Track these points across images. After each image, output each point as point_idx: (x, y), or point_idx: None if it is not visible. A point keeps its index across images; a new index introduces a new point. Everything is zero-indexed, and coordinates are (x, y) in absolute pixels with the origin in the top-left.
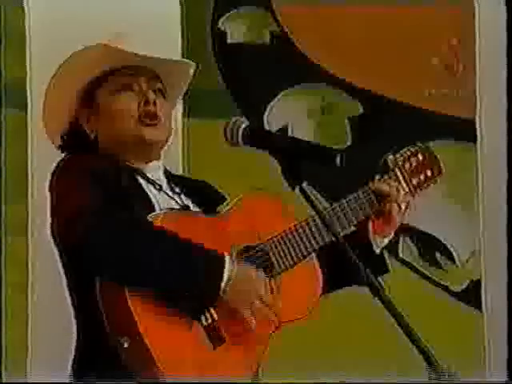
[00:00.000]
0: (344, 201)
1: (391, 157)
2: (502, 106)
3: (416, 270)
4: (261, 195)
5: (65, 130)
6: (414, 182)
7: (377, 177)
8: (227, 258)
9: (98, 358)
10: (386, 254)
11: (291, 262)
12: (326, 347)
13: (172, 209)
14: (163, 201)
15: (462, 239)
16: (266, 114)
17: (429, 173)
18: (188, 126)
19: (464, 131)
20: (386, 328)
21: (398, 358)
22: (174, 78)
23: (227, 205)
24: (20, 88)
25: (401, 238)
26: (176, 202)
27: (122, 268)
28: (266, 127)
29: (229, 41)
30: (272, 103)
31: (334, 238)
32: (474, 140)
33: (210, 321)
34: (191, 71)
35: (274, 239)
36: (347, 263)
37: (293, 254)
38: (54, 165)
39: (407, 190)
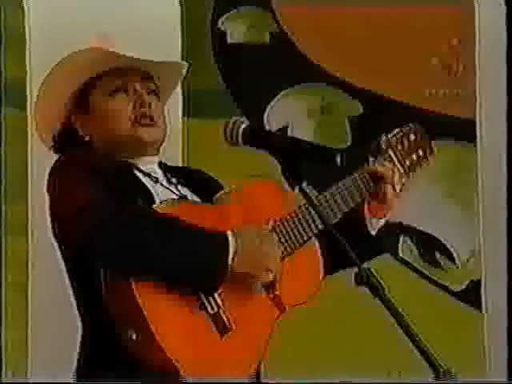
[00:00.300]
0: (340, 183)
1: (384, 138)
2: (502, 106)
3: (416, 270)
4: (260, 182)
5: (57, 131)
6: (408, 162)
7: (371, 159)
8: (229, 234)
9: (106, 356)
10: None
11: (292, 248)
12: (326, 347)
13: (172, 199)
14: (161, 192)
15: (461, 239)
16: (266, 114)
17: (421, 152)
18: (188, 126)
19: (464, 131)
20: (386, 328)
21: (398, 358)
22: (167, 78)
23: (227, 192)
24: (20, 88)
25: (401, 238)
26: (173, 192)
27: (130, 258)
28: (266, 127)
29: (229, 41)
30: (272, 103)
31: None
32: (474, 140)
33: (215, 309)
34: (184, 70)
35: (275, 225)
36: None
37: (293, 240)
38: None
39: (402, 170)
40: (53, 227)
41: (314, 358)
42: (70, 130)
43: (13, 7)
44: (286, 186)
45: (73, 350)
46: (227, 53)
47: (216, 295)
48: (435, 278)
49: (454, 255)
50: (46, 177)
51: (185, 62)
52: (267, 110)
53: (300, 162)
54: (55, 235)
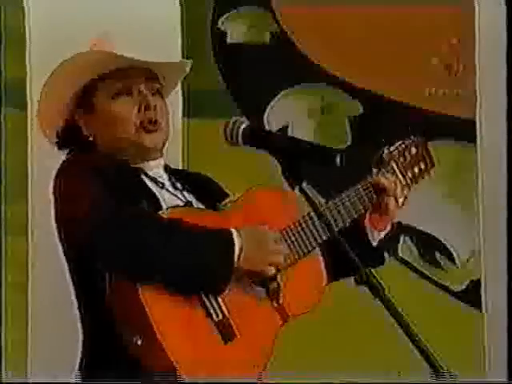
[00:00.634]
0: (344, 195)
1: (386, 151)
2: (502, 106)
3: (416, 270)
4: (264, 191)
5: (60, 128)
6: (410, 174)
7: (374, 170)
8: (234, 231)
9: (108, 358)
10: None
11: (296, 257)
12: (326, 347)
13: (177, 206)
14: (167, 198)
15: (461, 239)
16: (266, 114)
17: (422, 165)
18: (188, 126)
19: (464, 131)
20: (386, 328)
21: (398, 358)
22: (171, 77)
23: (231, 201)
24: (20, 88)
25: (401, 238)
26: (179, 198)
27: (133, 259)
28: (266, 127)
29: (229, 41)
30: (272, 103)
31: (330, 236)
32: (474, 140)
33: (220, 316)
34: (188, 68)
35: (281, 234)
36: (347, 258)
37: (298, 248)
38: (56, 166)
39: (404, 183)
40: (58, 229)
41: (314, 358)
42: (74, 127)
43: (13, 7)
44: (286, 188)
45: (73, 350)
46: (227, 53)
47: (221, 302)
48: (435, 278)
49: (454, 255)
50: (53, 177)
51: (189, 61)
52: (267, 110)
53: (300, 161)
54: (60, 238)
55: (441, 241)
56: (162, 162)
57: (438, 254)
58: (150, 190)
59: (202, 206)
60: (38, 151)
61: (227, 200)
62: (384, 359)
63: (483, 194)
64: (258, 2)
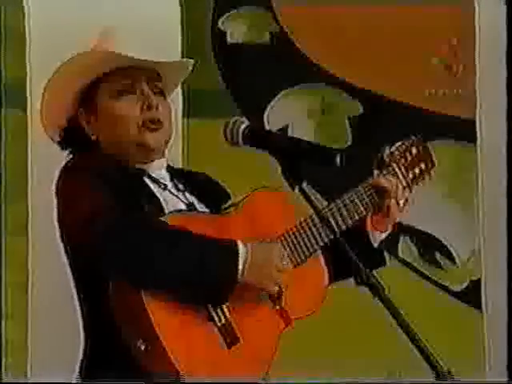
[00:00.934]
0: (345, 196)
1: (387, 152)
2: (502, 106)
3: (416, 270)
4: (266, 193)
5: (62, 127)
6: (411, 175)
7: (375, 172)
8: (240, 244)
9: (110, 361)
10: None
11: (300, 259)
12: (326, 347)
13: (180, 210)
14: (169, 200)
15: (461, 239)
16: (266, 113)
17: (423, 166)
18: (188, 126)
19: (464, 131)
20: (386, 328)
21: (398, 358)
22: (173, 77)
23: (233, 204)
24: (20, 88)
25: (401, 238)
26: (181, 200)
27: (139, 267)
28: (266, 127)
29: (229, 41)
30: (272, 103)
31: (332, 237)
32: (474, 140)
33: (223, 321)
34: (190, 67)
35: (283, 237)
36: (348, 260)
37: (301, 251)
38: (56, 167)
39: (405, 184)
40: (61, 234)
41: (314, 358)
42: (76, 126)
43: (13, 7)
44: (286, 188)
45: (73, 350)
46: (227, 53)
47: (224, 307)
48: (435, 278)
49: (454, 255)
50: (55, 179)
51: (191, 60)
52: (267, 109)
53: (300, 161)
54: (63, 242)
55: (441, 241)
56: (164, 162)
57: (438, 254)
58: (152, 192)
59: (204, 208)
60: (38, 151)
61: (229, 203)
62: (384, 359)
63: (483, 194)
64: (258, 2)
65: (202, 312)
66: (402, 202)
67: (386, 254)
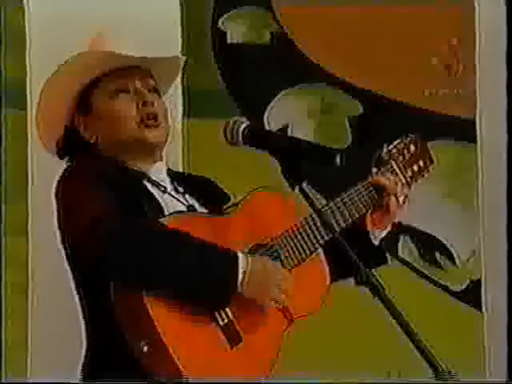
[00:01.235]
0: (345, 195)
1: (385, 150)
2: (502, 106)
3: (416, 270)
4: (267, 193)
5: (59, 136)
6: (409, 173)
7: (374, 170)
8: (240, 255)
9: (113, 363)
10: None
11: (300, 258)
12: (326, 347)
13: (180, 211)
14: (170, 202)
15: (461, 239)
16: (266, 114)
17: (421, 163)
18: (188, 126)
19: (464, 131)
20: (386, 328)
21: (398, 358)
22: (166, 73)
23: (234, 204)
24: (20, 88)
25: (401, 238)
26: (182, 202)
27: (140, 272)
28: (266, 127)
29: (229, 41)
30: (272, 103)
31: (331, 236)
32: (474, 140)
33: (226, 321)
34: (182, 64)
35: (283, 236)
36: (349, 259)
37: (301, 250)
38: (56, 167)
39: (404, 181)
40: (62, 238)
41: (314, 358)
42: (73, 133)
43: (13, 7)
44: (286, 188)
45: (73, 350)
46: (227, 53)
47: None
48: (435, 278)
49: (454, 255)
50: (54, 184)
51: (183, 56)
52: (267, 110)
53: (300, 161)
54: (65, 247)
55: (441, 241)
56: (164, 165)
57: (438, 254)
58: (152, 195)
59: (204, 210)
60: (38, 151)
61: (229, 204)
62: (384, 359)
63: (483, 194)
64: (258, 2)
65: (204, 312)
66: (401, 200)
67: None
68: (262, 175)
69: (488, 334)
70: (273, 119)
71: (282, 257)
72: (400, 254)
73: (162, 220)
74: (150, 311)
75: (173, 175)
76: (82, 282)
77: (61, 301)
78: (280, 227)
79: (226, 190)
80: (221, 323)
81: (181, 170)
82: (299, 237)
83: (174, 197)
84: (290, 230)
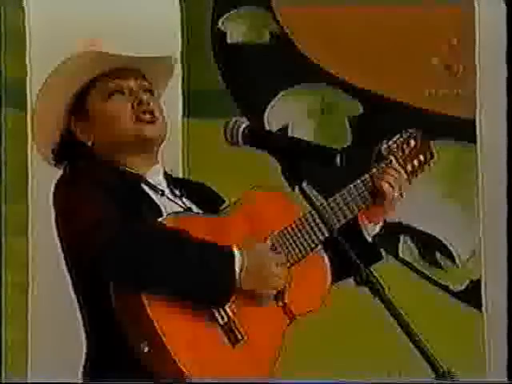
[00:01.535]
0: (344, 191)
1: (385, 145)
2: (502, 106)
3: (416, 270)
4: (264, 192)
5: (56, 144)
6: (410, 167)
7: (373, 165)
8: (236, 251)
9: (114, 364)
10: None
11: (300, 256)
12: (326, 347)
13: (178, 212)
14: (167, 205)
15: (461, 239)
16: (266, 114)
17: (422, 157)
18: (188, 126)
19: (464, 131)
20: (386, 328)
21: (398, 358)
22: (159, 74)
23: (232, 204)
24: (20, 88)
25: (401, 238)
26: (179, 205)
27: (140, 274)
28: (266, 127)
29: (229, 41)
30: (272, 103)
31: (330, 233)
32: (474, 140)
33: (226, 319)
34: (173, 63)
35: (282, 234)
36: (347, 258)
37: (301, 248)
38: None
39: (405, 176)
40: (61, 243)
41: (314, 358)
42: (70, 139)
43: (13, 7)
44: (286, 188)
45: (73, 350)
46: (227, 53)
47: (226, 306)
48: (435, 278)
49: (454, 255)
50: (52, 190)
51: (174, 56)
52: (267, 110)
53: (300, 161)
54: (64, 251)
55: (441, 241)
56: (161, 168)
57: (438, 254)
58: (150, 197)
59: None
60: None
61: (227, 204)
62: (384, 359)
63: (483, 194)
64: (258, 2)
65: (203, 311)
66: (396, 194)
67: (385, 254)
68: (262, 175)
69: (488, 334)
70: (273, 119)
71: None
72: (400, 253)
73: (160, 220)
74: (150, 312)
75: (169, 179)
76: (81, 284)
77: (61, 301)
78: (278, 225)
79: (225, 190)
80: (221, 322)
81: (181, 169)
82: (298, 234)
83: (171, 200)
84: (288, 228)
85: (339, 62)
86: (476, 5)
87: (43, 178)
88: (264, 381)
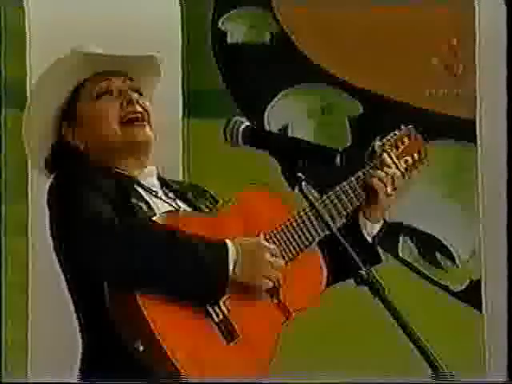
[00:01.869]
0: (338, 187)
1: (378, 143)
2: (502, 106)
3: (416, 270)
4: (258, 190)
5: (48, 152)
6: (403, 164)
7: (367, 163)
8: (229, 243)
9: (110, 364)
10: (380, 249)
11: (294, 253)
12: (326, 347)
13: (170, 211)
14: (161, 206)
15: (461, 239)
16: (266, 114)
17: (416, 155)
18: (188, 126)
19: (464, 131)
20: (386, 328)
21: (398, 358)
22: (145, 75)
23: (225, 203)
24: (20, 88)
25: (401, 238)
26: (173, 206)
27: (133, 272)
28: (266, 127)
29: (229, 41)
30: (272, 103)
31: (327, 228)
32: (474, 140)
33: (221, 317)
34: (159, 65)
35: (275, 231)
36: (346, 257)
37: (294, 245)
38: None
39: (398, 174)
40: (55, 245)
41: (314, 358)
42: (62, 147)
43: (13, 7)
44: (286, 188)
45: (73, 350)
46: (227, 53)
47: (221, 303)
48: (435, 278)
49: (454, 255)
50: (46, 192)
51: (160, 56)
52: (267, 110)
53: (300, 162)
54: (57, 253)
55: (441, 241)
56: (154, 170)
57: (438, 254)
58: (143, 198)
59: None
60: None
61: (220, 203)
62: (384, 359)
63: (483, 194)
64: (258, 2)
65: (198, 309)
66: (389, 190)
67: (386, 254)
68: (262, 175)
69: (488, 334)
70: (273, 119)
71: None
72: (400, 253)
73: (154, 218)
74: (145, 310)
75: (163, 181)
76: (75, 284)
77: (61, 301)
78: (273, 223)
79: (225, 190)
80: (216, 319)
81: (181, 169)
82: (293, 231)
83: (165, 201)
84: (283, 225)
85: (339, 62)
86: (476, 5)
87: (43, 178)
88: (264, 381)
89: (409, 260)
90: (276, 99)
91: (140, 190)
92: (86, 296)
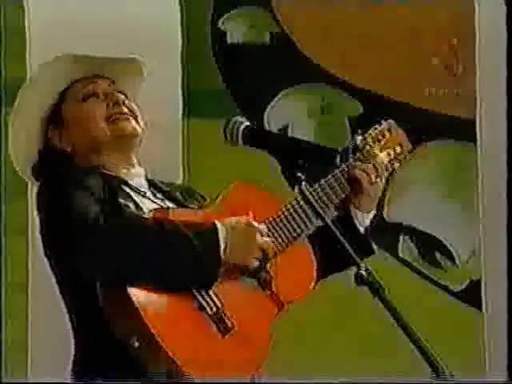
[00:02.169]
0: (323, 180)
1: (360, 137)
2: (502, 106)
3: (416, 270)
4: (245, 185)
5: (35, 158)
6: (386, 158)
7: (350, 157)
8: (219, 225)
9: (106, 362)
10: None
11: (283, 245)
12: (326, 347)
13: (160, 208)
14: (149, 206)
15: (461, 239)
16: (266, 114)
17: (398, 149)
18: (188, 126)
19: (464, 131)
20: (386, 328)
21: (398, 358)
22: (127, 76)
23: (213, 200)
24: (20, 88)
25: (401, 238)
26: (161, 206)
27: (125, 265)
28: (266, 127)
29: (229, 41)
30: (272, 103)
31: (318, 221)
32: (474, 140)
33: (214, 309)
34: (142, 67)
35: (266, 223)
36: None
37: (283, 237)
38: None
39: (382, 166)
40: (44, 247)
41: (314, 358)
42: (48, 151)
43: (13, 6)
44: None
45: (73, 350)
46: (227, 53)
47: (212, 295)
48: (435, 278)
49: (454, 255)
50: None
51: (141, 59)
52: (267, 110)
53: (300, 161)
54: (47, 255)
55: (441, 241)
56: (142, 171)
57: (438, 254)
58: (131, 197)
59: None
60: None
61: (208, 200)
62: (384, 359)
63: (483, 194)
64: (258, 2)
65: (192, 302)
66: (373, 177)
67: (385, 254)
68: (262, 175)
69: (488, 334)
70: (273, 119)
71: None
72: (400, 254)
73: (145, 216)
74: (138, 307)
75: (151, 182)
76: (67, 286)
77: (61, 301)
78: (261, 216)
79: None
80: (209, 312)
81: (181, 169)
82: (282, 223)
83: (153, 201)
84: (271, 217)
85: (339, 62)
86: (476, 5)
87: None
88: (264, 381)
89: (409, 260)
90: (276, 99)
91: (127, 189)
92: (78, 297)
